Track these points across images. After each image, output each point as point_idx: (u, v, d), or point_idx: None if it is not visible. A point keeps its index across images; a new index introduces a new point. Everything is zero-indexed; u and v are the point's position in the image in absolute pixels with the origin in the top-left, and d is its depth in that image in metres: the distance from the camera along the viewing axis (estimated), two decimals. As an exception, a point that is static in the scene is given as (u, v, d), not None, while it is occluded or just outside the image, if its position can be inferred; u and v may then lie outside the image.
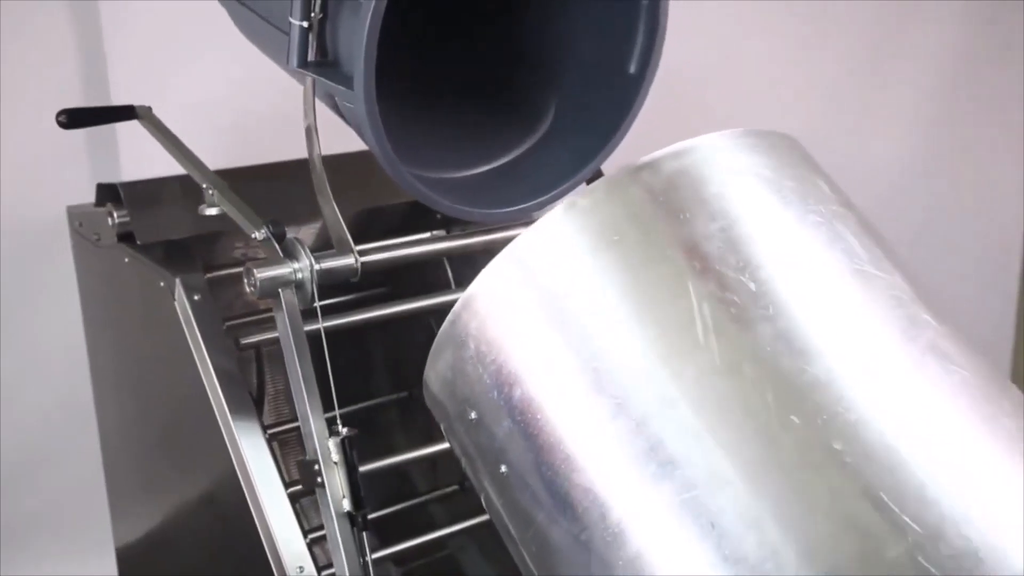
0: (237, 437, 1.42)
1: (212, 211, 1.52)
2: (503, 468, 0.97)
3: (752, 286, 0.89)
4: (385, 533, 1.68)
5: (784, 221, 0.97)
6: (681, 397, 0.87)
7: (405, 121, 1.48)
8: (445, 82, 1.69)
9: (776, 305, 0.89)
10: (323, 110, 1.50)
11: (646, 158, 1.01)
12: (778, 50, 2.93)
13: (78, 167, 2.45)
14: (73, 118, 1.71)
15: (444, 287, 1.81)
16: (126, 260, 1.63)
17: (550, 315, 0.96)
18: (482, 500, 1.08)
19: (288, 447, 1.79)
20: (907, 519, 0.76)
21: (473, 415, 1.00)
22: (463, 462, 1.09)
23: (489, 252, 1.82)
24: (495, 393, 0.97)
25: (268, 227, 1.43)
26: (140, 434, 1.79)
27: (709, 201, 0.96)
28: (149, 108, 1.73)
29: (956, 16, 3.05)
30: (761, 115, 2.90)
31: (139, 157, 2.47)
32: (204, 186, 1.53)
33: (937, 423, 0.84)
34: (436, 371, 1.07)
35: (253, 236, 1.44)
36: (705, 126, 2.91)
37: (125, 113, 1.72)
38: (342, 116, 1.49)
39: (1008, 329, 3.35)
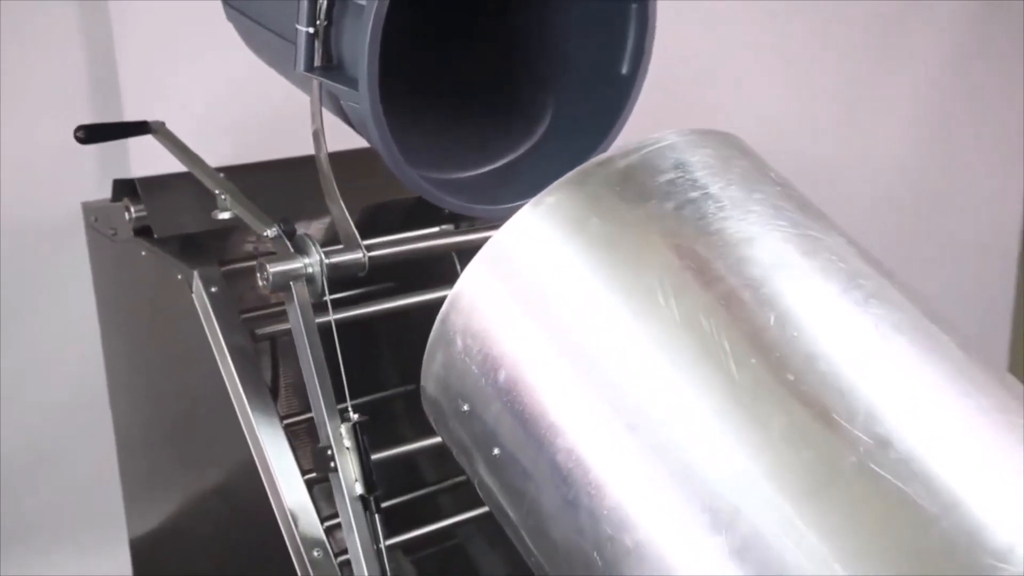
0: (255, 425, 1.46)
1: (224, 215, 1.58)
2: (496, 451, 1.06)
3: (704, 252, 1.00)
4: (394, 522, 1.71)
5: (732, 199, 1.07)
6: (646, 351, 0.97)
7: (407, 124, 1.53)
8: (446, 85, 1.73)
9: (728, 267, 0.99)
10: (329, 115, 1.55)
11: (602, 156, 1.13)
12: (776, 49, 2.95)
13: (88, 164, 2.49)
14: (90, 134, 1.82)
15: (451, 281, 1.83)
16: (143, 254, 1.66)
17: (527, 300, 1.07)
18: (480, 492, 1.15)
19: (299, 439, 1.83)
20: (858, 433, 0.87)
21: (466, 407, 1.09)
22: (461, 458, 1.17)
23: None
24: (483, 380, 1.06)
25: (279, 225, 1.50)
26: (156, 427, 1.83)
27: (662, 187, 1.08)
28: (163, 123, 1.81)
29: (954, 16, 3.08)
30: (759, 114, 2.93)
31: (148, 154, 2.50)
32: (217, 192, 1.58)
33: (880, 354, 0.94)
34: (431, 372, 1.15)
35: (265, 234, 1.49)
36: (706, 124, 2.94)
37: (139, 129, 1.82)
38: (348, 122, 1.54)
39: (1005, 326, 3.38)
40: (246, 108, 2.43)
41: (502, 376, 1.05)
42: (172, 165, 1.77)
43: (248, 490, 1.47)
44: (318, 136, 1.50)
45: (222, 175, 1.64)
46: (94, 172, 2.46)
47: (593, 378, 1.00)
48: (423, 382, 1.17)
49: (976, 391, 0.92)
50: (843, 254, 1.04)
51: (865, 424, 0.88)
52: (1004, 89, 3.23)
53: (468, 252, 1.87)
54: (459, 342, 1.09)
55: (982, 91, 3.17)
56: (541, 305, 1.05)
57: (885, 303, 0.98)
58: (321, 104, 1.49)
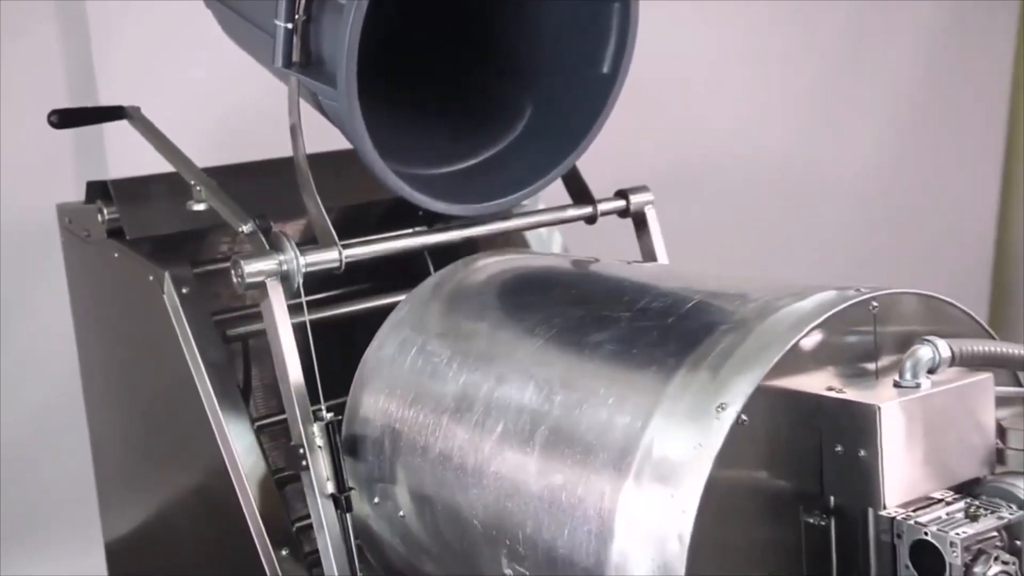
0: (225, 426, 1.46)
1: (200, 206, 1.57)
2: (401, 513, 1.40)
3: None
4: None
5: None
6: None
7: (387, 119, 1.53)
8: (427, 82, 1.74)
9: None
10: (308, 110, 1.55)
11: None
12: (752, 51, 2.97)
13: (65, 167, 2.49)
14: (64, 118, 1.76)
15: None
16: (115, 255, 1.67)
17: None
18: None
19: (280, 439, 1.83)
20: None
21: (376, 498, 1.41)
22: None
23: (468, 246, 1.88)
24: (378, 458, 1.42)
25: (254, 221, 1.48)
26: (129, 427, 1.83)
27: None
28: (138, 108, 1.77)
29: (930, 18, 3.10)
30: (734, 115, 2.95)
31: (126, 156, 2.50)
32: (192, 182, 1.57)
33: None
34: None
35: (240, 230, 1.48)
36: (683, 126, 2.95)
37: (114, 113, 1.77)
38: (325, 114, 1.53)
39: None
40: (225, 108, 2.44)
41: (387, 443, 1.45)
42: (150, 168, 1.77)
43: (219, 491, 1.48)
44: (295, 131, 1.49)
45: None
46: (72, 174, 2.46)
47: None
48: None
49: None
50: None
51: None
52: (979, 90, 3.25)
53: (441, 252, 1.89)
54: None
55: (958, 92, 3.19)
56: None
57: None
58: (299, 98, 1.48)
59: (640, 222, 1.78)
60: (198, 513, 1.65)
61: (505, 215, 1.66)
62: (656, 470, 1.10)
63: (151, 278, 1.57)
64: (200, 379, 1.49)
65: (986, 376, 1.18)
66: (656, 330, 1.24)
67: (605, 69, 1.56)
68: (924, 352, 1.14)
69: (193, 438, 1.53)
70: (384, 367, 1.48)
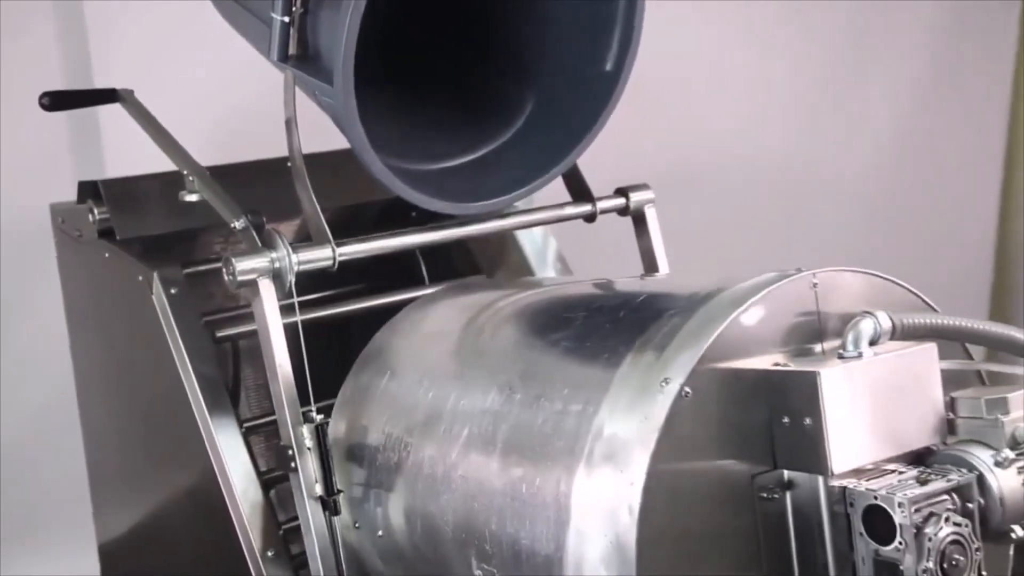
0: (212, 426, 1.46)
1: (192, 197, 1.54)
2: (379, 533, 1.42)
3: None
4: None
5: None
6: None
7: (385, 111, 1.51)
8: (426, 79, 1.72)
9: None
10: (306, 105, 1.53)
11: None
12: (753, 50, 2.96)
13: (63, 166, 2.49)
14: (55, 100, 1.72)
15: (418, 283, 1.85)
16: (106, 256, 1.66)
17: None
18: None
19: (273, 439, 1.83)
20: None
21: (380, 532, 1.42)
22: None
23: (461, 245, 1.87)
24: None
25: (247, 217, 1.45)
26: (121, 428, 1.83)
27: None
28: (131, 91, 1.73)
29: (933, 21, 3.08)
30: (737, 115, 2.94)
31: (123, 156, 2.50)
32: (184, 172, 1.54)
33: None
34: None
35: (232, 225, 1.45)
36: (683, 126, 2.94)
37: (107, 96, 1.73)
38: (320, 104, 1.51)
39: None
40: (221, 108, 2.43)
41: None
42: (146, 168, 1.77)
43: (207, 492, 1.48)
44: (290, 124, 1.46)
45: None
46: (69, 174, 2.46)
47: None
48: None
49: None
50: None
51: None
52: (980, 90, 3.23)
53: (433, 254, 1.89)
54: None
55: (959, 91, 3.18)
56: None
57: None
58: (295, 91, 1.45)
59: (639, 221, 1.76)
60: (188, 514, 1.65)
61: (502, 214, 1.64)
62: (606, 449, 1.13)
63: (140, 278, 1.56)
64: (188, 380, 1.48)
65: (929, 345, 1.19)
66: (609, 323, 1.28)
67: (608, 67, 1.54)
68: (865, 324, 1.16)
69: (181, 439, 1.53)
70: (359, 395, 1.50)
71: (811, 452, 1.12)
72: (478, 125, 1.63)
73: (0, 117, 2.37)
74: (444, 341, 1.51)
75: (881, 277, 1.27)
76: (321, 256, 1.45)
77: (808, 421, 1.12)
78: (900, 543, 1.08)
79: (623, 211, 1.75)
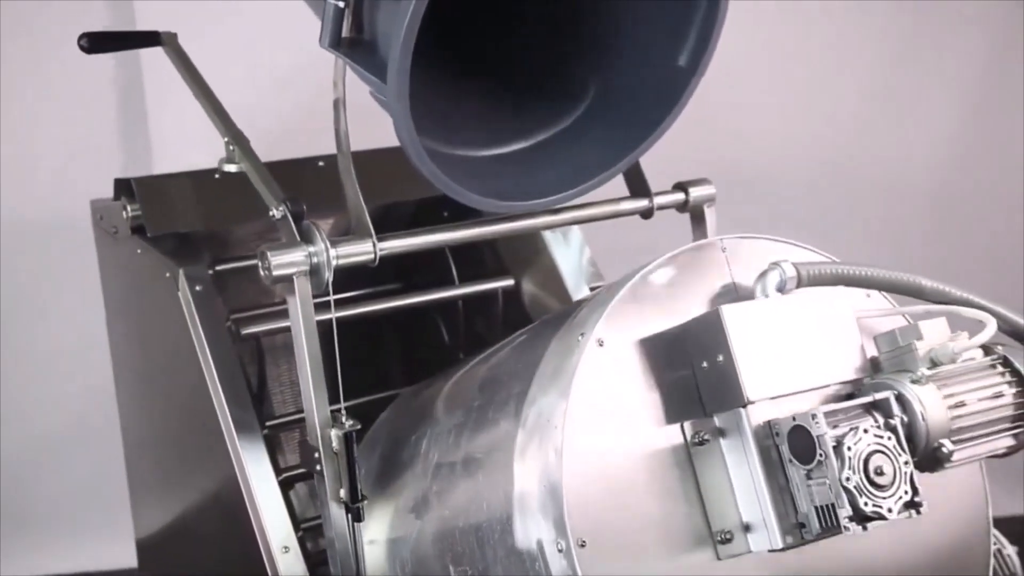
0: (232, 424, 1.45)
1: (231, 167, 1.48)
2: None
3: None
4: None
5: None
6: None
7: (431, 91, 1.38)
8: (483, 52, 1.59)
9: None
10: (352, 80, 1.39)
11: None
12: (810, 48, 2.91)
13: (111, 163, 2.52)
14: (94, 42, 1.64)
15: (449, 283, 1.84)
16: (138, 252, 1.67)
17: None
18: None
19: (294, 438, 1.83)
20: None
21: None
22: None
23: (490, 246, 1.83)
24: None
25: (286, 204, 1.38)
26: (154, 424, 1.84)
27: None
28: (174, 35, 1.65)
29: (990, 13, 3.00)
30: (795, 115, 2.89)
31: (170, 153, 2.52)
32: (225, 140, 1.48)
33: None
34: None
35: (271, 214, 1.38)
36: (733, 126, 2.88)
37: (149, 39, 1.65)
38: (368, 82, 1.35)
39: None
40: (258, 110, 2.44)
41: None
42: (194, 164, 1.76)
43: (228, 489, 1.48)
44: (338, 106, 1.38)
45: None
46: (118, 171, 2.49)
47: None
48: None
49: None
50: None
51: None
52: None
53: (463, 254, 1.84)
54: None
55: (1017, 90, 3.08)
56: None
57: None
58: (345, 71, 1.35)
59: (698, 218, 1.65)
60: (212, 510, 1.65)
61: (555, 208, 1.51)
62: (537, 411, 1.21)
63: (167, 275, 1.56)
64: (209, 376, 1.48)
65: (839, 289, 1.27)
66: (556, 319, 1.36)
67: (683, 62, 1.42)
68: (772, 273, 1.24)
69: (205, 435, 1.53)
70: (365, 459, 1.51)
71: (728, 387, 1.17)
72: (536, 107, 1.50)
73: (50, 114, 2.41)
74: (418, 417, 1.54)
75: (784, 242, 1.32)
76: (361, 251, 1.37)
77: (720, 358, 1.17)
78: (820, 454, 1.11)
79: (682, 207, 1.64)
